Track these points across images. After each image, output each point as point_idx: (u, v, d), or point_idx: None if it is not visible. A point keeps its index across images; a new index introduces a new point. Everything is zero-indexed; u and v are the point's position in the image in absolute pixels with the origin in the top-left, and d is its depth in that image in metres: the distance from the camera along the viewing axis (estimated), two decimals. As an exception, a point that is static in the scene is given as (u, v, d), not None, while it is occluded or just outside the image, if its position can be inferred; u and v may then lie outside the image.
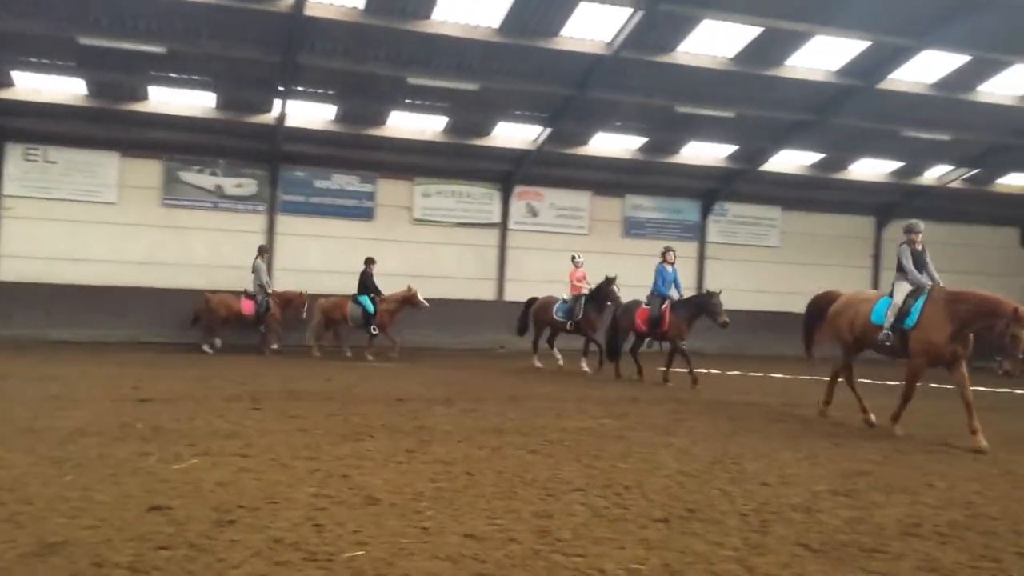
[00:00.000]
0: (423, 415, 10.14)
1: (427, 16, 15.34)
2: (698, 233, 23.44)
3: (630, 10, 15.07)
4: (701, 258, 23.43)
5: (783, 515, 6.31)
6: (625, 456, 8.18)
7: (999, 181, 23.54)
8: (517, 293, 21.94)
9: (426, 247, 21.25)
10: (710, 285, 22.97)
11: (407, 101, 18.45)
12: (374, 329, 17.26)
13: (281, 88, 17.42)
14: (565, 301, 16.87)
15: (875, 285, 24.65)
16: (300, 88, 17.74)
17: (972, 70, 17.42)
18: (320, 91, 18.01)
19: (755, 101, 18.45)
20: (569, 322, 16.55)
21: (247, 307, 17.85)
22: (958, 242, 25.08)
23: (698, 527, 5.87)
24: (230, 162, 20.18)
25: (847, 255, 24.47)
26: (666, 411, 11.48)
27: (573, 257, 16.44)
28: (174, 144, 19.51)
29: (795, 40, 16.18)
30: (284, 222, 20.55)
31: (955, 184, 23.15)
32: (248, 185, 20.44)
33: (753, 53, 16.56)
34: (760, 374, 13.16)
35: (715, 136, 20.54)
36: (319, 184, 20.86)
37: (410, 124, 19.77)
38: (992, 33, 15.62)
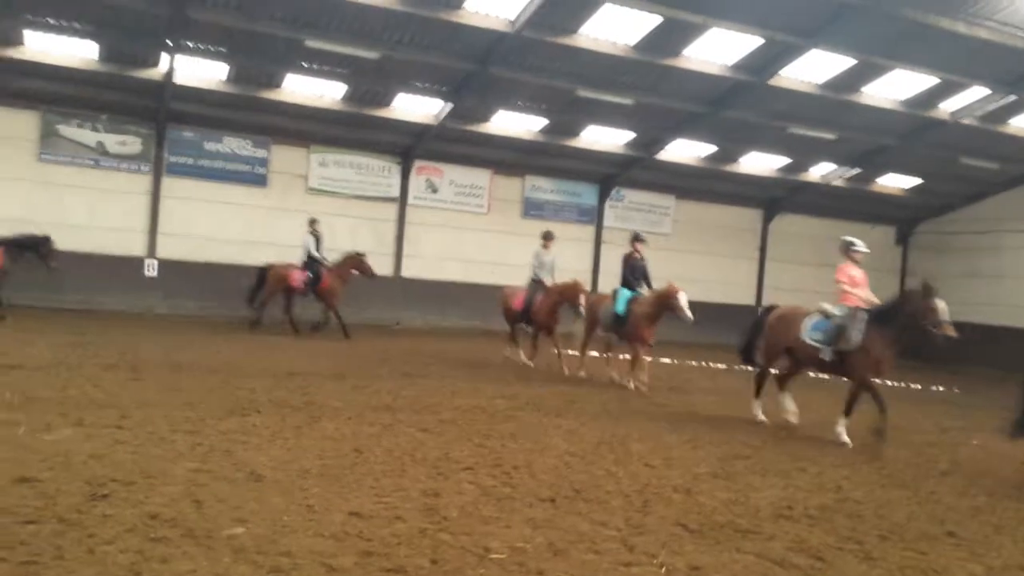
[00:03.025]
0: (313, 390, 9.95)
1: (328, -21, 14.91)
2: (595, 217, 23.77)
3: (536, -12, 15.07)
4: (597, 242, 23.79)
5: (664, 496, 6.52)
6: (515, 436, 8.26)
7: (878, 181, 24.80)
8: (415, 269, 21.78)
9: (322, 218, 20.72)
10: (604, 269, 23.42)
11: (304, 65, 17.87)
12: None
13: (169, 42, 16.58)
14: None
15: (761, 276, 25.67)
16: (190, 44, 16.91)
17: (857, 73, 18.21)
18: (212, 48, 17.22)
19: (653, 90, 18.76)
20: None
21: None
22: (839, 237, 26.27)
23: (583, 507, 5.99)
24: (113, 118, 19.08)
25: (736, 245, 25.34)
26: (557, 393, 11.64)
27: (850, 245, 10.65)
28: (53, 95, 18.31)
29: (692, 31, 16.51)
30: (170, 184, 19.64)
31: (838, 182, 24.24)
32: (132, 143, 19.41)
33: (653, 42, 16.82)
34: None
35: (614, 122, 20.80)
36: (209, 146, 20.02)
37: (307, 89, 19.16)
38: (876, 38, 16.34)
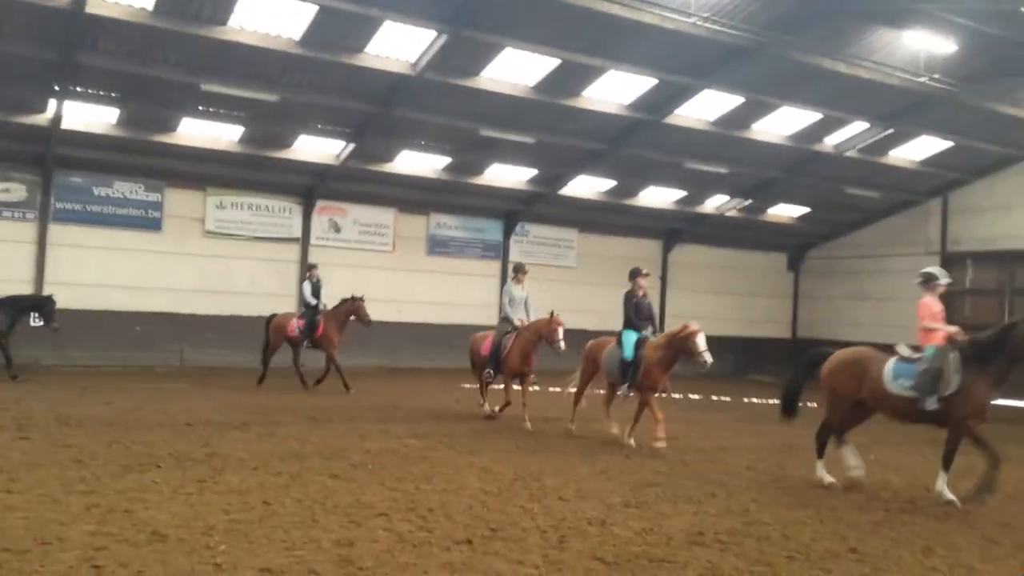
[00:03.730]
0: (215, 441, 9.60)
1: (222, 22, 14.64)
2: (500, 252, 23.94)
3: (434, 33, 15.20)
4: (503, 277, 23.91)
5: (580, 529, 6.56)
6: (429, 477, 8.17)
7: (769, 211, 25.89)
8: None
9: (220, 261, 20.18)
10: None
11: (200, 108, 17.52)
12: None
13: (57, 88, 15.99)
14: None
15: (662, 304, 26.27)
16: (79, 89, 16.35)
17: (746, 110, 19.07)
18: (102, 93, 16.68)
19: (554, 129, 19.15)
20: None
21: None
22: (734, 265, 27.33)
23: (500, 546, 5.96)
24: (-4, 164, 18.25)
25: (637, 276, 25.91)
26: (468, 430, 11.59)
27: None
28: (-74, 142, 17.38)
29: (590, 74, 17.00)
30: (58, 231, 18.79)
31: (731, 213, 25.19)
32: (16, 190, 18.52)
33: (552, 83, 17.22)
34: (558, 389, 13.58)
35: (517, 160, 21.11)
36: (99, 192, 19.27)
37: (203, 132, 18.74)
38: (764, 78, 17.17)
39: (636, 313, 11.45)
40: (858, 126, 20.09)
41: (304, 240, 21.30)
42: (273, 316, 16.50)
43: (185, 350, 18.71)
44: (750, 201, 24.62)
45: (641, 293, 11.67)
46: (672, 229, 26.14)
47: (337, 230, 21.78)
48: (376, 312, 21.56)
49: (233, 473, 7.90)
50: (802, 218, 26.39)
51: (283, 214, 21.16)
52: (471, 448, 10.03)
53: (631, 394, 11.11)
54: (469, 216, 23.44)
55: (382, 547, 5.78)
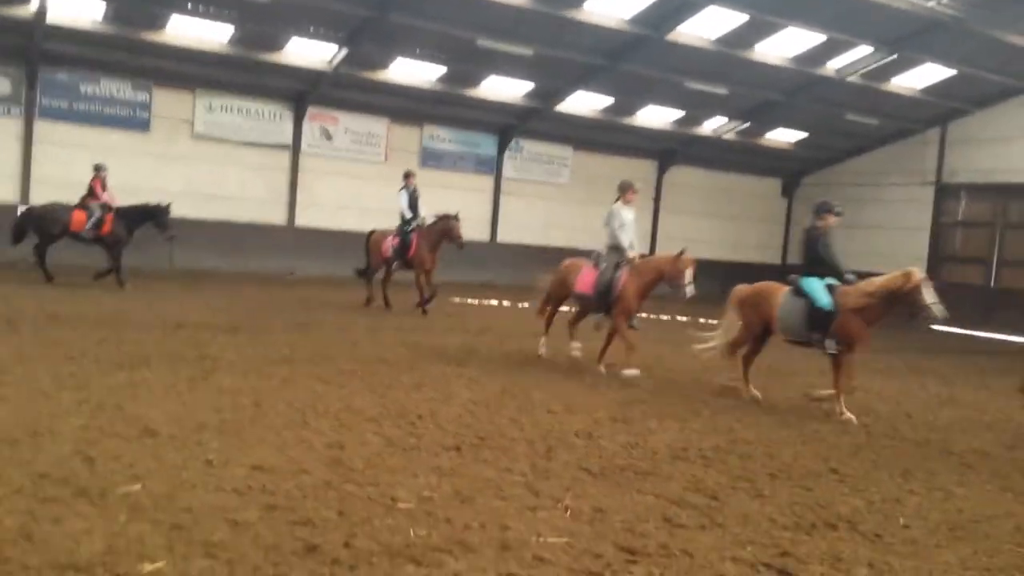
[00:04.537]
0: (206, 343, 9.62)
1: (215, -88, 14.13)
2: (494, 167, 23.69)
3: (436, -68, 14.73)
4: (496, 192, 23.76)
5: (566, 441, 6.65)
6: (418, 386, 8.23)
7: (767, 135, 25.63)
8: (309, 219, 21.23)
9: (209, 165, 19.89)
10: (504, 219, 23.48)
11: (188, 5, 16.98)
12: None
13: (41, -23, 15.46)
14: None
15: (655, 225, 26.20)
16: (64, -21, 15.84)
17: (750, 29, 18.67)
18: (88, -15, 16.18)
19: (553, 42, 18.71)
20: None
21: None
22: (728, 189, 27.21)
23: (488, 454, 6.04)
24: (-22, 57, 17.73)
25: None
26: (458, 342, 11.64)
27: None
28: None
29: (594, -17, 16.59)
30: (44, 128, 18.41)
31: (729, 135, 24.92)
32: (1, 84, 18.06)
33: (554, -8, 16.79)
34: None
35: (514, 72, 20.68)
36: (86, 89, 18.81)
37: (192, 31, 18.22)
38: (769, -5, 16.81)
39: (822, 254, 9.09)
40: (862, 50, 19.71)
41: (295, 147, 20.98)
42: (372, 232, 15.47)
43: (174, 253, 18.57)
44: (748, 124, 24.33)
45: (822, 230, 9.17)
46: (668, 150, 25.88)
47: (329, 138, 21.45)
48: (368, 223, 21.50)
49: (224, 374, 7.94)
50: (799, 143, 26.16)
51: (273, 120, 20.78)
52: (460, 360, 10.09)
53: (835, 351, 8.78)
54: (463, 129, 23.09)
55: (372, 450, 5.85)
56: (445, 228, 14.39)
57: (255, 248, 19.20)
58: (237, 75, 19.62)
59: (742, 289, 9.86)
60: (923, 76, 21.38)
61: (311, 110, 20.97)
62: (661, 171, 26.29)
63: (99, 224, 14.75)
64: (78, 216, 14.77)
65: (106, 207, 14.88)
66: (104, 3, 16.87)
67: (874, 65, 20.23)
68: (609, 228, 10.49)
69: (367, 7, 16.91)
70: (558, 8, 17.19)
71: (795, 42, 19.43)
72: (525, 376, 9.39)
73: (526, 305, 14.08)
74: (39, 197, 18.19)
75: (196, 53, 18.51)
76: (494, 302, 14.47)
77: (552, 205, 24.13)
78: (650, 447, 6.70)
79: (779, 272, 27.33)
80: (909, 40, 18.71)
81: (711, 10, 17.54)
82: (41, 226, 14.78)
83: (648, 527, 4.81)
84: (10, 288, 13.48)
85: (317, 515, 4.47)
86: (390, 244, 14.78)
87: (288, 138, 20.90)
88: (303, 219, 21.13)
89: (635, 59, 19.47)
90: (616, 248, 10.34)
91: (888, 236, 24.65)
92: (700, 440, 7.08)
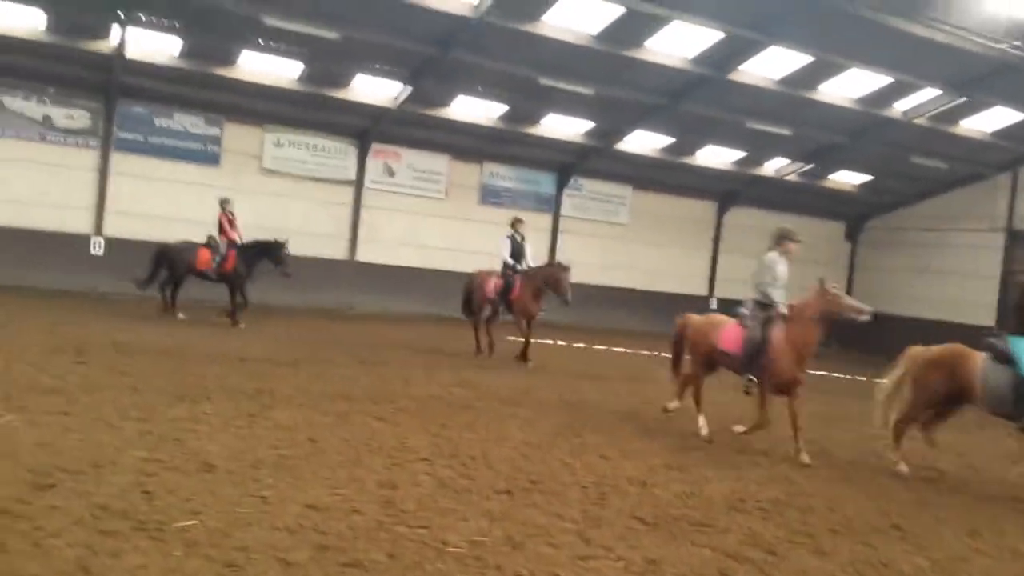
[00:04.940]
0: (266, 377, 9.77)
1: (287, -44, 14.62)
2: (552, 206, 23.77)
3: (500, -26, 14.97)
4: (555, 231, 23.81)
5: (620, 488, 6.54)
6: (472, 426, 8.22)
7: (831, 177, 25.23)
8: (370, 254, 21.54)
9: (276, 198, 20.38)
10: (562, 257, 23.46)
11: (260, 42, 17.54)
12: None
13: (121, 14, 16.12)
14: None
15: (714, 267, 25.93)
16: (143, 16, 16.47)
17: (814, 70, 18.46)
18: (165, 22, 16.79)
19: (614, 80, 18.78)
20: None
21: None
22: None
23: (540, 499, 5.98)
24: (61, 91, 18.51)
25: (690, 237, 25.58)
26: (513, 382, 11.62)
27: None
28: (-3, 67, 17.73)
29: (654, 24, 16.57)
30: (120, 160, 19.13)
31: (791, 177, 24.60)
32: (80, 118, 18.85)
33: (615, 32, 16.83)
34: (603, 347, 13.46)
35: (574, 111, 20.80)
36: (160, 123, 19.54)
37: (263, 67, 18.81)
38: (834, 36, 16.56)
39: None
40: (929, 92, 19.33)
41: (358, 183, 21.38)
42: (476, 273, 15.03)
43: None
44: (811, 165, 23.99)
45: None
46: (728, 191, 25.63)
47: (391, 174, 21.81)
48: (427, 260, 21.66)
49: (282, 409, 8.05)
50: (863, 186, 25.67)
51: (338, 155, 21.24)
52: (515, 400, 10.06)
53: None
54: (523, 167, 23.25)
55: (424, 491, 5.85)
56: (551, 276, 13.54)
57: (317, 282, 19.50)
58: (304, 111, 20.14)
59: (924, 352, 8.38)
60: (993, 119, 20.86)
61: (375, 146, 21.38)
62: (721, 212, 26.04)
63: (223, 262, 15.02)
64: (203, 254, 15.09)
65: (230, 244, 15.16)
66: (180, 39, 17.54)
67: (942, 108, 19.81)
68: (758, 281, 9.09)
69: (430, 45, 17.25)
70: (620, 48, 17.28)
71: (860, 83, 19.15)
72: (579, 418, 9.31)
73: (580, 345, 13.94)
74: (112, 229, 18.92)
75: (266, 89, 19.07)
76: (548, 341, 14.41)
77: (610, 244, 24.05)
78: (706, 497, 6.56)
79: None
80: (978, 83, 18.31)
81: (774, 50, 17.43)
82: (171, 264, 15.16)
83: (703, 582, 4.70)
84: (82, 316, 13.93)
85: (367, 557, 4.48)
86: (494, 286, 14.07)
87: (352, 174, 21.32)
88: (364, 254, 21.46)
89: (696, 98, 19.42)
90: (762, 304, 8.94)
91: (956, 283, 23.97)
92: (758, 491, 6.91)
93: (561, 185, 23.72)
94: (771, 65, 18.33)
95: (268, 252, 15.15)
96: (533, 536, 5.15)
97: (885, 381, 8.71)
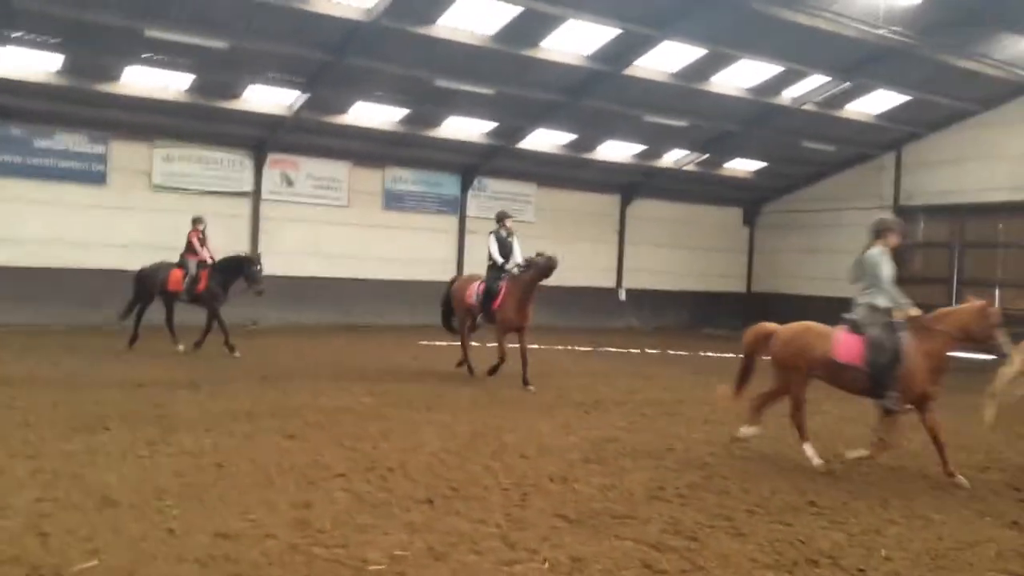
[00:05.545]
0: (166, 401, 9.35)
1: (168, -36, 14.05)
2: (457, 207, 23.64)
3: (392, -24, 14.74)
4: (461, 232, 23.69)
5: (541, 486, 6.51)
6: (387, 436, 8.05)
7: (726, 165, 25.90)
8: (271, 266, 20.90)
9: (168, 215, 19.58)
10: (469, 259, 23.41)
11: (145, 56, 16.83)
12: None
13: (-8, 32, 15.23)
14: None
15: (620, 259, 26.28)
16: (16, 34, 15.57)
17: (707, 62, 18.88)
18: (40, 39, 15.90)
19: (513, 80, 18.78)
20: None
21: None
22: (691, 220, 27.42)
23: (461, 506, 5.89)
24: (-73, 114, 17.39)
25: (596, 231, 25.86)
26: (426, 387, 11.46)
27: None
28: None
29: (550, 23, 16.64)
30: (-4, 185, 18.09)
31: (689, 167, 25.15)
32: (-50, 142, 17.74)
33: (511, 32, 16.82)
34: (515, 345, 13.33)
35: (475, 112, 20.72)
36: (40, 144, 18.49)
37: (149, 81, 18.04)
38: (725, 29, 16.97)
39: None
40: (817, 79, 20.05)
41: (256, 194, 20.78)
42: (455, 279, 13.91)
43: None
44: (708, 155, 24.60)
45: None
46: (630, 183, 26.04)
47: (290, 184, 21.28)
48: (331, 269, 21.31)
49: (185, 434, 7.70)
50: (758, 172, 26.47)
51: (233, 167, 20.59)
52: (429, 405, 9.93)
53: None
54: (426, 170, 23.06)
55: (341, 508, 5.67)
56: (539, 273, 11.86)
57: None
58: (195, 124, 19.43)
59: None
60: (877, 102, 21.79)
61: (272, 156, 20.82)
62: (624, 204, 26.42)
63: (195, 282, 14.19)
64: (175, 275, 14.28)
65: (201, 263, 14.37)
66: (58, 56, 16.67)
67: (828, 93, 20.59)
68: (871, 279, 7.76)
69: (325, 51, 16.88)
70: (517, 47, 17.30)
71: (751, 73, 19.71)
72: (496, 418, 9.24)
73: (493, 345, 13.64)
74: (-8, 256, 17.84)
75: (153, 103, 18.31)
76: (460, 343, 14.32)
77: (520, 242, 24.09)
78: (626, 488, 6.59)
79: (745, 299, 27.71)
80: (862, 67, 19.07)
81: (668, 44, 17.76)
82: (140, 287, 14.38)
83: (628, 575, 4.68)
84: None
85: (284, 583, 4.29)
86: (475, 291, 12.54)
87: (249, 185, 20.70)
88: (265, 266, 20.76)
89: (595, 95, 19.62)
90: (875, 308, 7.66)
91: (849, 260, 24.92)
92: (676, 478, 6.98)
93: (465, 186, 23.64)
94: (665, 59, 18.66)
95: (242, 269, 14.38)
96: (456, 545, 5.05)
97: (1006, 371, 8.23)
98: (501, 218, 13.02)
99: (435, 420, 9.00)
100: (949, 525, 6.02)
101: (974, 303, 7.66)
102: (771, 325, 8.31)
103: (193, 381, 10.86)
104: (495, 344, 12.36)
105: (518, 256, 12.59)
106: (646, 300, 25.72)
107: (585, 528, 5.54)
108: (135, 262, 15.91)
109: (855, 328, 7.70)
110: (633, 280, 26.03)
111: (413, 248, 22.75)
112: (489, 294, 12.21)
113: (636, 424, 9.45)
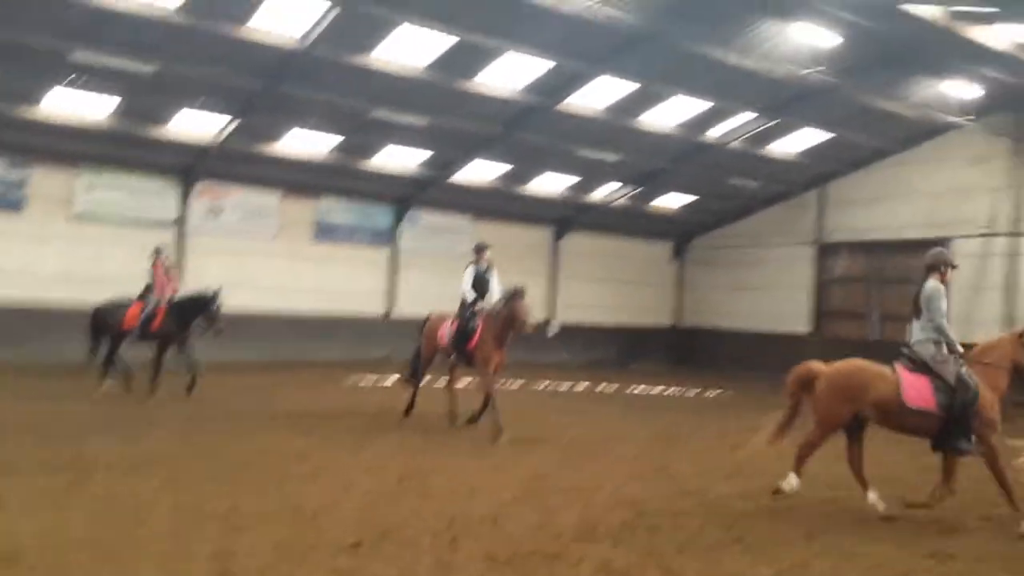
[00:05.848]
0: (79, 444, 8.92)
1: (94, -12, 13.68)
2: (390, 239, 23.46)
3: (327, 4, 14.64)
4: (393, 265, 23.50)
5: (471, 528, 6.42)
6: (314, 477, 7.86)
7: (656, 200, 26.36)
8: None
9: (88, 246, 18.92)
10: (401, 292, 23.24)
11: (69, 79, 16.35)
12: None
13: (-98, 52, 14.62)
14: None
15: (553, 293, 26.38)
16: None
17: (638, 98, 19.25)
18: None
19: (448, 111, 18.82)
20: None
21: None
22: (621, 254, 27.72)
23: (391, 550, 5.77)
24: None
25: (529, 263, 25.86)
26: (354, 426, 11.23)
27: None
28: None
29: (486, 55, 16.76)
30: (-96, 211, 17.25)
31: (621, 201, 25.53)
32: None
33: (446, 63, 16.88)
34: (448, 386, 13.16)
35: (410, 142, 20.65)
36: (-48, 170, 17.79)
37: (72, 106, 17.50)
38: (656, 66, 17.34)
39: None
40: (743, 116, 20.62)
41: (181, 224, 20.24)
42: (428, 316, 12.82)
43: (48, 345, 17.33)
44: (639, 189, 25.00)
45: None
46: (563, 217, 26.27)
47: (217, 214, 20.82)
48: (259, 301, 20.81)
49: (100, 479, 7.36)
50: (687, 207, 26.99)
51: (159, 196, 20.02)
52: (358, 445, 9.73)
53: None
54: (359, 201, 22.85)
55: (264, 556, 5.48)
56: (510, 313, 10.94)
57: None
58: (120, 150, 18.88)
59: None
60: (800, 140, 22.50)
61: (200, 185, 20.35)
62: (557, 238, 26.64)
63: (150, 319, 13.19)
64: (132, 311, 13.31)
65: (159, 300, 13.38)
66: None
67: (755, 131, 21.18)
68: (934, 315, 7.35)
69: (257, 78, 16.66)
70: (452, 79, 17.36)
71: (681, 110, 20.16)
72: (426, 458, 9.12)
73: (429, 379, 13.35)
74: None
75: (76, 129, 17.78)
76: (390, 381, 14.08)
77: (451, 276, 23.88)
78: (557, 527, 6.55)
79: (671, 334, 28.03)
80: (788, 106, 19.67)
81: (601, 80, 18.07)
82: (97, 326, 13.46)
83: (558, 622, 4.62)
84: None
85: (200, 641, 4.10)
86: (447, 330, 11.69)
87: (173, 215, 20.17)
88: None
89: (528, 128, 19.81)
90: (935, 342, 7.36)
91: (773, 295, 25.59)
92: (606, 516, 6.97)
93: (399, 218, 23.50)
94: (598, 94, 18.98)
95: (203, 308, 13.32)
96: (383, 592, 4.92)
97: None
98: (479, 250, 12.14)
99: (363, 461, 8.83)
100: (871, 557, 6.15)
101: (1013, 332, 7.63)
102: (817, 364, 7.79)
103: (112, 423, 10.42)
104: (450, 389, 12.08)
105: (495, 292, 11.70)
106: (577, 335, 25.78)
107: (516, 570, 5.48)
108: (51, 295, 15.31)
109: (917, 367, 7.36)
110: (565, 314, 26.14)
111: (344, 280, 22.45)
112: (463, 333, 11.38)
113: (566, 461, 9.44)
